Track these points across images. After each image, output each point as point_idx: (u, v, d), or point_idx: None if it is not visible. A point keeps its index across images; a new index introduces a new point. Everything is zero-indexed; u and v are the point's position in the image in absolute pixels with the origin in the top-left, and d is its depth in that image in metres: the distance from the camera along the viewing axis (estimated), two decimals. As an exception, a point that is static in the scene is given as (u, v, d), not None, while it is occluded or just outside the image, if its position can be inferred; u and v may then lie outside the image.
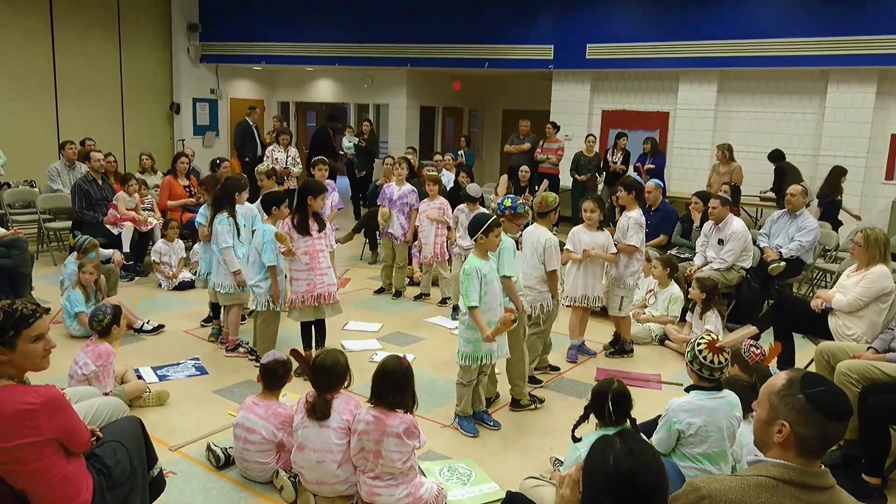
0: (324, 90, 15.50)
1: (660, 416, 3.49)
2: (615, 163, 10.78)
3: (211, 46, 14.28)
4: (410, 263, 8.00)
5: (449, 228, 7.16)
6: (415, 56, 13.03)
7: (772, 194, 9.72)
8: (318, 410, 3.41)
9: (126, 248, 7.76)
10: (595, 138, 10.92)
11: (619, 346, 5.98)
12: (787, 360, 5.25)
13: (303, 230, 5.13)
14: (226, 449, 3.88)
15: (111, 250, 7.25)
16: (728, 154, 9.34)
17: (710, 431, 3.25)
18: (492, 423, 4.50)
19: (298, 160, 10.33)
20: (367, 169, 11.49)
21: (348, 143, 12.02)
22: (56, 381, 3.03)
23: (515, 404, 4.79)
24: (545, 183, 10.12)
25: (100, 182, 8.14)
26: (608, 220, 7.66)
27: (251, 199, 6.04)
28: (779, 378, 2.00)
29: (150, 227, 8.04)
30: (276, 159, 10.00)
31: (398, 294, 7.54)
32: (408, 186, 7.52)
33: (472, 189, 6.88)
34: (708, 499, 1.87)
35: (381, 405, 3.32)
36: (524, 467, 3.88)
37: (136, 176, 8.58)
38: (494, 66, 12.54)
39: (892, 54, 9.34)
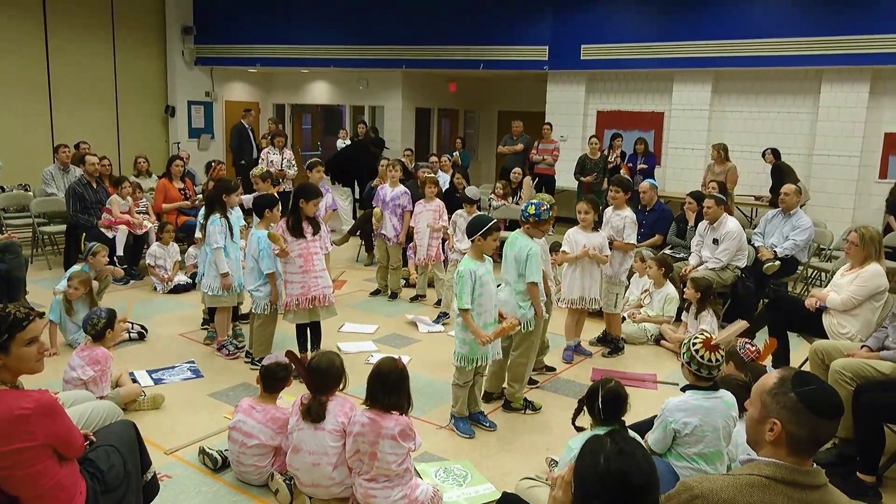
0: (319, 92, 15.49)
1: (655, 416, 3.49)
2: (612, 162, 10.79)
3: (206, 49, 14.26)
4: (406, 265, 8.00)
5: (447, 233, 7.16)
6: (410, 58, 13.03)
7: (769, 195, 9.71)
8: (313, 412, 3.41)
9: (120, 252, 7.75)
10: (598, 141, 10.83)
11: (615, 345, 6.01)
12: (781, 359, 5.27)
13: (296, 232, 5.13)
14: (221, 451, 3.87)
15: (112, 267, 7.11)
16: (723, 154, 9.36)
17: (706, 431, 3.25)
18: (488, 425, 4.50)
19: (294, 162, 10.32)
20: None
21: (342, 144, 12.02)
22: (50, 386, 3.03)
23: (507, 405, 4.81)
24: (527, 179, 9.97)
25: (94, 185, 8.12)
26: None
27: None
28: (770, 377, 2.01)
29: (144, 231, 8.03)
30: (272, 161, 9.99)
31: (394, 296, 7.54)
32: (401, 188, 7.53)
33: (471, 192, 6.91)
34: (700, 498, 1.88)
35: (377, 407, 3.32)
36: (520, 468, 3.88)
37: (129, 179, 8.57)
38: (489, 67, 12.54)
39: (885, 54, 9.37)
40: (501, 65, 12.45)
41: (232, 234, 5.55)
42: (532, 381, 5.17)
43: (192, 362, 5.47)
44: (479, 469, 3.94)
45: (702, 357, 3.27)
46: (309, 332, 5.40)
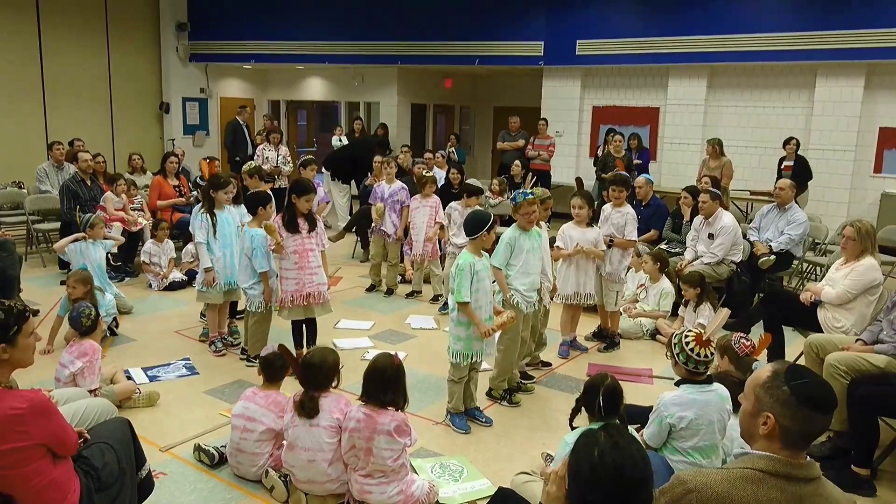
0: (314, 89, 15.46)
1: (650, 407, 3.49)
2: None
3: (200, 45, 14.21)
4: (402, 261, 8.00)
5: (442, 227, 7.16)
6: (405, 54, 13.00)
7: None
8: (306, 408, 3.41)
9: (114, 249, 7.71)
10: (623, 137, 10.48)
11: (610, 340, 6.02)
12: (776, 353, 5.26)
13: (291, 228, 5.13)
14: (218, 448, 3.87)
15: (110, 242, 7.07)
16: (718, 149, 9.36)
17: (701, 425, 3.26)
18: (483, 420, 4.50)
19: (289, 159, 10.30)
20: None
21: (338, 142, 11.99)
22: (42, 384, 3.02)
23: (489, 393, 4.87)
24: (516, 165, 9.88)
25: (88, 183, 8.10)
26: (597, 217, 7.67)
27: (238, 199, 6.01)
28: (764, 370, 2.01)
29: (139, 228, 8.01)
30: (267, 158, 9.96)
31: (390, 292, 7.54)
32: (398, 184, 7.53)
33: (474, 182, 6.91)
34: (694, 492, 1.88)
35: (372, 403, 3.32)
36: (516, 463, 3.89)
37: (124, 176, 8.54)
38: (485, 63, 12.53)
39: (880, 48, 9.38)
40: (497, 60, 12.44)
41: (215, 230, 5.51)
42: (528, 377, 5.18)
43: (188, 359, 5.46)
44: (475, 464, 3.94)
45: (697, 354, 3.28)
46: (305, 328, 5.40)
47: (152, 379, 5.07)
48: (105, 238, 6.58)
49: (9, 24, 11.71)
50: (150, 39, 14.05)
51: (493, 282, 4.57)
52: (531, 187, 5.27)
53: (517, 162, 9.96)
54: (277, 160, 10.01)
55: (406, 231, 7.47)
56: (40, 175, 8.96)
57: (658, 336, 6.28)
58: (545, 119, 11.52)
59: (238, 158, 11.29)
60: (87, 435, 2.91)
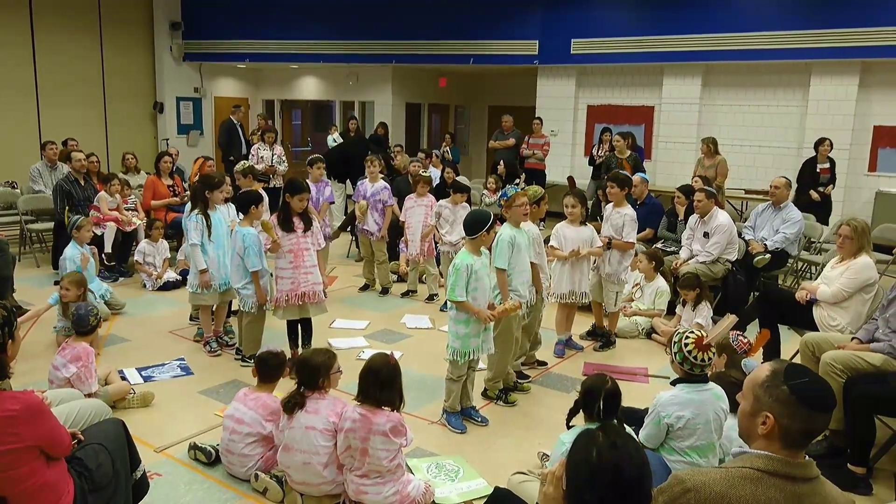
0: (309, 88, 15.42)
1: (645, 409, 3.49)
2: (601, 157, 10.78)
3: (194, 45, 14.17)
4: (397, 259, 7.99)
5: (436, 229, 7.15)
6: (400, 53, 12.99)
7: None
8: (291, 403, 3.40)
9: (108, 249, 7.69)
10: (619, 137, 10.31)
11: (606, 339, 6.02)
12: (772, 352, 5.28)
13: (286, 227, 5.12)
14: (214, 446, 3.86)
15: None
16: (713, 147, 9.36)
17: (698, 424, 3.25)
18: (479, 420, 4.49)
19: (284, 158, 10.26)
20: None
21: (332, 141, 11.95)
22: (35, 386, 3.01)
23: (484, 393, 4.87)
24: (500, 165, 9.89)
25: (82, 182, 8.06)
26: (594, 215, 7.68)
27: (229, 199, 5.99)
28: (762, 369, 2.00)
29: (133, 228, 7.97)
30: (262, 157, 9.93)
31: (385, 291, 7.52)
32: (381, 183, 7.53)
33: (464, 180, 6.91)
34: (692, 491, 1.87)
35: (368, 403, 3.31)
36: (512, 463, 3.88)
37: (118, 176, 8.50)
38: (479, 62, 12.52)
39: (874, 47, 9.40)
40: (492, 59, 12.43)
41: (210, 232, 5.48)
42: (523, 376, 5.17)
43: (182, 360, 5.43)
44: (471, 464, 3.93)
45: (695, 358, 3.28)
46: (300, 328, 5.39)
47: (147, 379, 5.04)
48: (96, 233, 6.48)
49: (2, 23, 11.65)
50: (144, 39, 13.99)
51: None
52: (527, 186, 5.27)
53: (501, 162, 9.98)
54: (272, 159, 9.98)
55: (401, 231, 7.46)
56: (34, 175, 8.91)
57: (654, 335, 6.28)
58: (540, 118, 11.51)
59: (232, 158, 11.26)
60: (81, 436, 2.90)
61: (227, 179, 6.15)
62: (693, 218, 6.72)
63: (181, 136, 14.39)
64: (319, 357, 3.49)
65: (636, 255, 6.67)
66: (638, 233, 7.48)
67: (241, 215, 5.35)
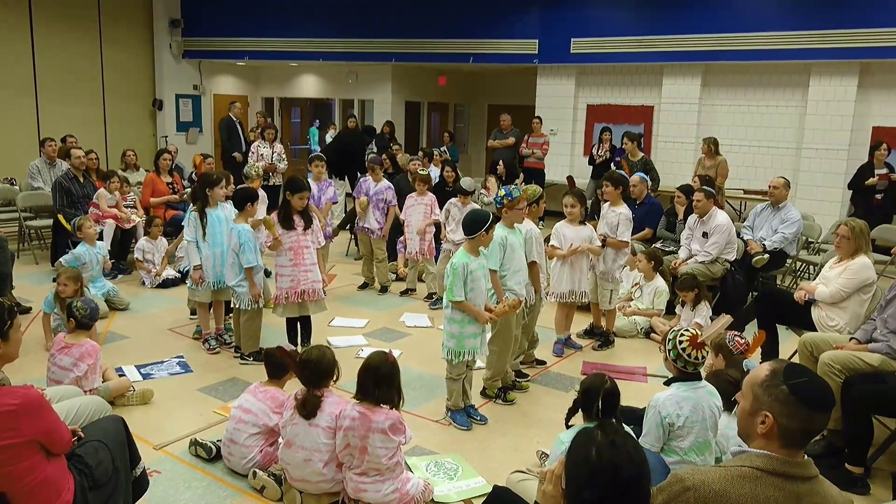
0: (308, 86, 15.42)
1: (644, 409, 3.49)
2: (601, 157, 10.80)
3: (194, 42, 14.15)
4: (395, 259, 7.98)
5: (439, 225, 7.15)
6: (399, 51, 12.98)
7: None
8: (308, 406, 3.40)
9: (108, 246, 7.67)
10: (629, 142, 9.88)
11: (605, 338, 6.03)
12: (771, 352, 5.29)
13: (286, 225, 5.13)
14: (215, 442, 3.86)
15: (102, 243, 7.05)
16: (713, 148, 9.36)
17: (695, 422, 3.26)
18: (479, 418, 4.50)
19: (284, 156, 10.26)
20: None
21: (329, 138, 11.94)
22: (37, 382, 3.01)
23: (483, 392, 4.87)
24: (491, 179, 9.87)
25: (81, 179, 8.05)
26: (593, 214, 7.69)
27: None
28: (762, 369, 2.00)
29: (132, 225, 7.97)
30: (262, 155, 9.92)
31: (384, 290, 7.52)
32: (384, 183, 7.53)
33: (466, 183, 6.92)
34: (692, 490, 1.88)
35: (367, 401, 3.31)
36: (511, 461, 3.88)
37: (118, 173, 8.50)
38: (479, 61, 12.51)
39: (874, 48, 9.40)
40: (491, 58, 12.43)
41: (204, 230, 5.45)
42: (522, 375, 5.18)
43: (181, 357, 5.44)
44: (470, 462, 3.94)
45: (688, 356, 3.29)
46: (299, 326, 5.39)
47: (146, 377, 5.04)
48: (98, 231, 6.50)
49: (1, 19, 11.62)
50: (144, 36, 13.98)
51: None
52: (525, 185, 5.27)
53: (501, 162, 9.98)
54: (272, 157, 9.98)
55: (400, 230, 7.46)
56: (32, 171, 8.91)
57: (652, 334, 6.29)
58: (539, 117, 11.51)
59: (235, 154, 11.22)
60: (81, 433, 2.90)
61: (230, 177, 6.13)
62: (692, 218, 6.73)
63: (180, 134, 14.38)
64: (327, 356, 3.49)
65: (635, 254, 6.70)
66: (637, 232, 7.53)
67: (236, 212, 5.35)
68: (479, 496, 3.56)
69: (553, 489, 1.93)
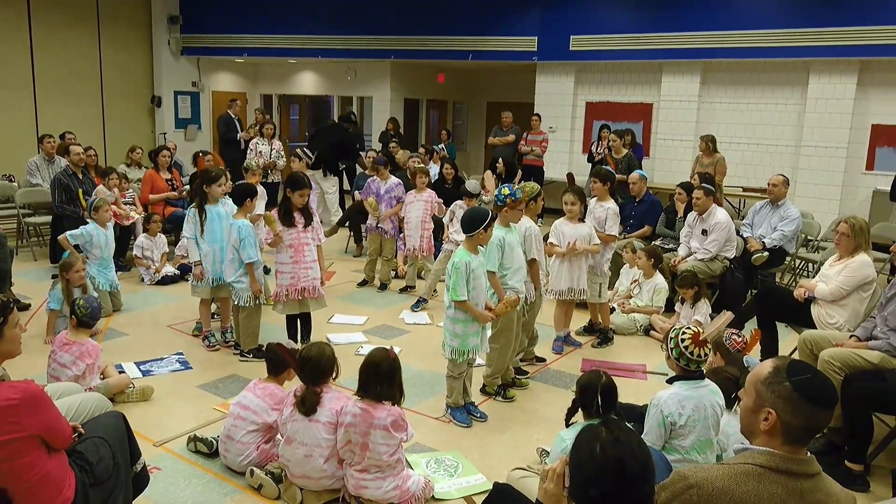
0: (307, 83, 15.39)
1: (644, 405, 3.49)
2: (599, 154, 10.80)
3: (192, 39, 14.12)
4: (395, 256, 7.98)
5: (440, 223, 7.13)
6: (398, 48, 12.96)
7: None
8: (307, 403, 3.39)
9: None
10: (617, 137, 9.79)
11: (604, 335, 6.03)
12: (770, 350, 5.29)
13: (286, 222, 5.13)
14: (215, 437, 3.86)
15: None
16: (711, 145, 9.36)
17: (698, 420, 3.26)
18: (478, 415, 4.50)
19: (283, 153, 10.24)
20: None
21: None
22: (37, 378, 3.00)
23: (483, 389, 4.87)
24: (487, 173, 9.87)
25: (80, 176, 8.02)
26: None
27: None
28: (765, 366, 2.00)
29: (131, 222, 7.95)
30: (261, 152, 9.91)
31: (383, 287, 7.52)
32: (394, 180, 7.52)
33: (471, 185, 6.92)
34: (695, 487, 1.88)
35: (369, 398, 3.31)
36: (511, 458, 3.88)
37: (117, 170, 8.48)
38: (478, 58, 12.49)
39: (873, 45, 9.40)
40: (490, 55, 12.41)
41: (203, 227, 5.44)
42: (522, 372, 5.18)
43: (181, 354, 5.43)
44: (470, 459, 3.94)
45: (691, 353, 3.29)
46: (299, 323, 5.39)
47: (145, 373, 5.04)
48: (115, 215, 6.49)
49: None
50: (142, 33, 13.94)
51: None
52: (524, 182, 5.28)
53: (500, 160, 9.97)
54: (271, 154, 9.97)
55: (399, 228, 7.46)
56: (31, 168, 8.89)
57: (652, 332, 6.29)
58: (538, 114, 11.51)
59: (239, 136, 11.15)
60: (82, 429, 2.89)
61: (225, 173, 6.12)
62: (691, 215, 6.74)
63: (179, 131, 14.34)
64: (326, 353, 3.49)
65: (635, 251, 6.70)
66: (636, 230, 7.54)
67: (236, 207, 5.34)
68: (480, 493, 3.56)
69: (555, 487, 1.93)
